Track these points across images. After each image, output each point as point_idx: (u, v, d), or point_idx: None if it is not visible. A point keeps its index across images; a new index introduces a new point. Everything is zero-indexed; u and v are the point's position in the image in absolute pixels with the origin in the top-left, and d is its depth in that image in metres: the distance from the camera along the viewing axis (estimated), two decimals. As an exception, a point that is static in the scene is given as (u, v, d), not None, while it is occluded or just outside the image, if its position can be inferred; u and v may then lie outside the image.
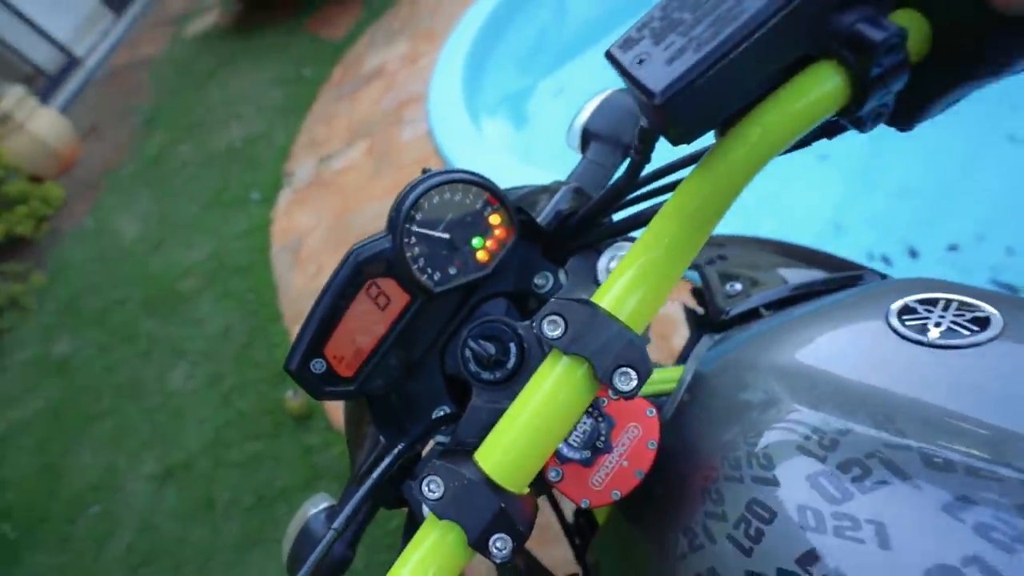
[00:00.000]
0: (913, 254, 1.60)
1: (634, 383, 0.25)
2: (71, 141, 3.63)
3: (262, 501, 1.54)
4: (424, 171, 0.35)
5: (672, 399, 0.37)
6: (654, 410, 0.30)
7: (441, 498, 0.26)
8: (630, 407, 0.30)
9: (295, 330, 1.96)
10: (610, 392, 0.28)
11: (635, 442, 0.30)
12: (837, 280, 0.42)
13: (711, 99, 0.21)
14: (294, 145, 2.77)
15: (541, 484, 0.50)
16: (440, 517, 0.25)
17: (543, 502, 0.51)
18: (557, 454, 0.30)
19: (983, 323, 0.27)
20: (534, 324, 0.26)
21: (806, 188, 1.83)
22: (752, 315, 0.43)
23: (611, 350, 0.25)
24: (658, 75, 0.20)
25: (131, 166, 3.33)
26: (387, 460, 0.33)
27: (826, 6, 0.20)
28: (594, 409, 0.30)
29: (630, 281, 0.26)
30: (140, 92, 4.14)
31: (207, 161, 3.00)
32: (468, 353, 0.35)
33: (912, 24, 0.21)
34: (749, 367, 0.33)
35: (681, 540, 0.29)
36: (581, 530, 0.50)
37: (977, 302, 0.28)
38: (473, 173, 0.34)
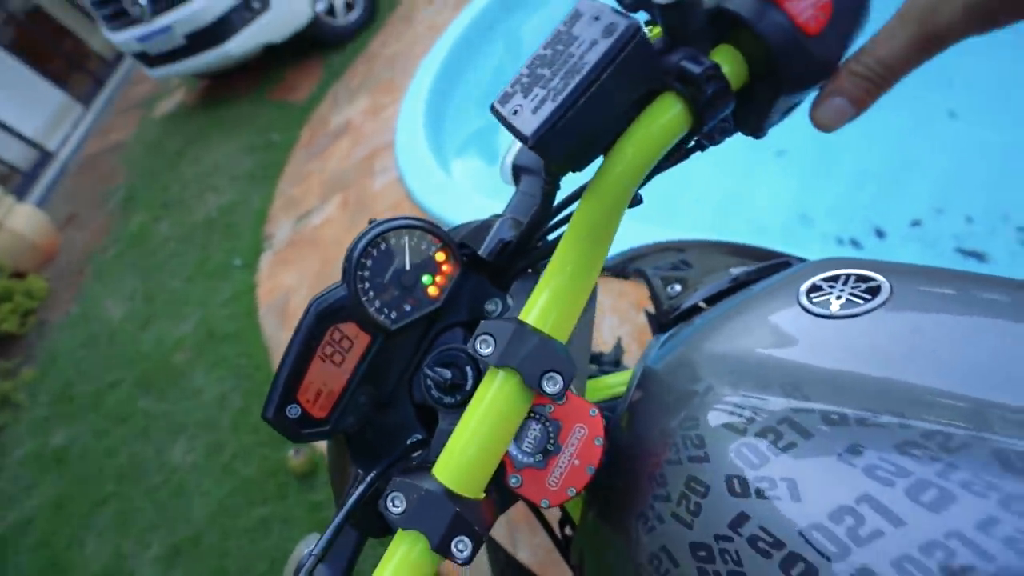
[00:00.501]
0: (880, 234, 1.66)
1: (559, 385, 0.29)
2: (50, 232, 3.67)
3: (275, 564, 1.52)
4: (370, 221, 0.38)
5: (625, 398, 0.40)
6: (596, 410, 0.34)
7: (404, 511, 0.29)
8: (574, 409, 0.33)
9: (290, 388, 1.97)
10: (554, 397, 0.32)
11: (583, 441, 0.33)
12: (764, 269, 0.46)
13: (578, 135, 0.25)
14: (271, 208, 2.83)
15: (513, 496, 0.53)
16: (404, 528, 0.28)
17: (528, 515, 0.54)
18: (513, 461, 0.33)
19: (875, 291, 0.31)
20: (469, 346, 0.30)
21: (769, 184, 1.91)
22: (695, 311, 0.47)
23: (536, 359, 0.29)
24: (527, 122, 0.25)
25: (113, 248, 3.36)
26: (362, 486, 0.36)
27: (652, 54, 0.24)
28: (540, 415, 0.33)
29: (549, 296, 0.30)
30: (115, 176, 4.21)
31: (187, 235, 3.04)
32: (428, 381, 0.38)
33: (727, 58, 0.26)
34: (688, 360, 0.37)
35: (637, 525, 0.32)
36: (567, 537, 0.52)
37: (870, 273, 0.32)
38: (415, 218, 0.38)
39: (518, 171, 0.44)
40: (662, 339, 0.45)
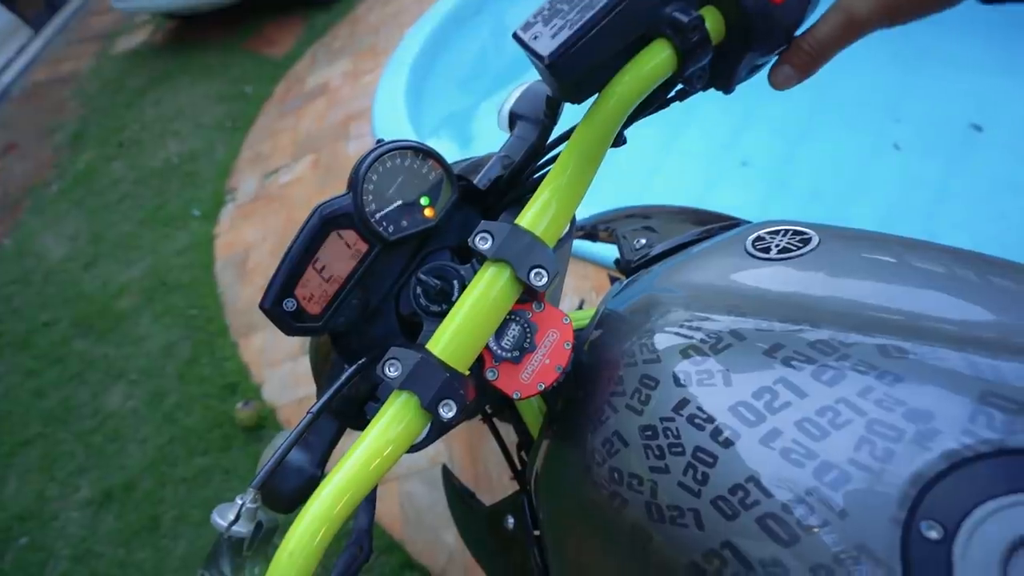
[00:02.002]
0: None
1: (544, 279, 0.33)
2: (-15, 160, 3.40)
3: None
4: (378, 141, 0.41)
5: (588, 328, 0.45)
6: (568, 318, 0.38)
7: (400, 374, 0.33)
8: (549, 316, 0.38)
9: (244, 343, 1.93)
10: (534, 304, 0.36)
11: (555, 343, 0.38)
12: (718, 228, 0.53)
13: (585, 64, 0.30)
14: (237, 161, 2.74)
15: (485, 413, 0.57)
16: (400, 388, 0.32)
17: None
18: (493, 355, 0.37)
19: (807, 242, 0.38)
20: (469, 240, 0.34)
21: (731, 190, 2.02)
22: (654, 263, 0.52)
23: (527, 255, 0.33)
24: (546, 45, 0.30)
25: (56, 184, 3.16)
26: (346, 374, 0.39)
27: (652, 2, 0.29)
28: (520, 318, 0.37)
29: (542, 205, 0.34)
30: (64, 109, 3.94)
31: (142, 179, 2.90)
32: (419, 289, 0.42)
33: (710, 15, 0.31)
34: (646, 294, 0.42)
35: (593, 419, 0.37)
36: (523, 461, 0.57)
37: (804, 229, 0.39)
38: (420, 143, 0.42)
39: (514, 117, 0.48)
40: (623, 283, 0.50)
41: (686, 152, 2.10)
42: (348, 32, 3.18)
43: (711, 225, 0.53)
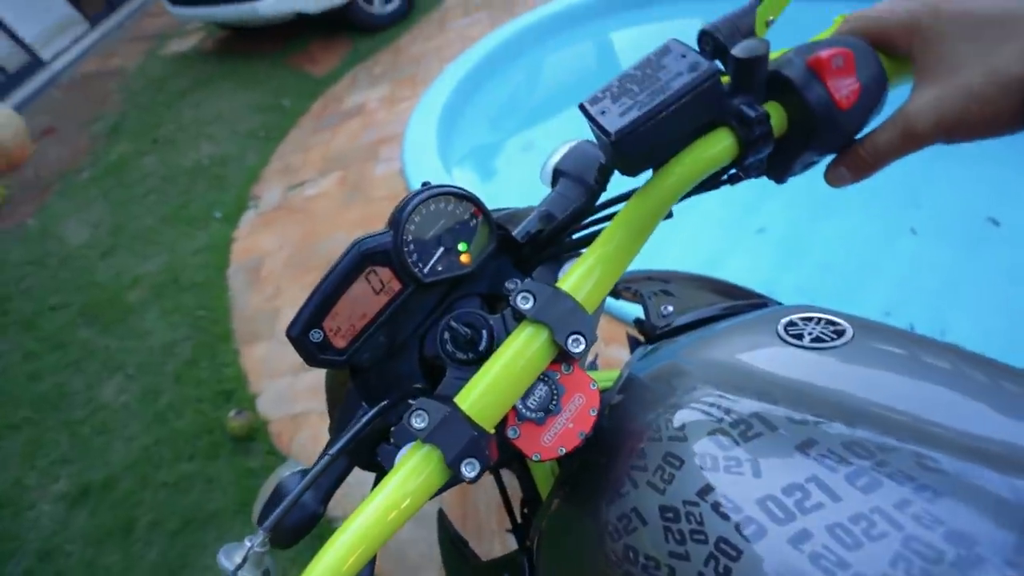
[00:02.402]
0: (833, 323, 1.79)
1: (583, 346, 0.33)
2: (22, 139, 3.51)
3: (189, 525, 1.46)
4: (424, 184, 0.42)
5: (610, 392, 0.45)
6: (596, 384, 0.38)
7: (427, 426, 0.32)
8: (577, 380, 0.37)
9: (246, 351, 1.92)
10: (563, 366, 0.36)
11: (580, 408, 0.37)
12: (746, 305, 0.52)
13: (648, 144, 0.31)
14: (265, 169, 2.80)
15: (495, 468, 0.56)
16: (424, 441, 0.32)
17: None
18: (517, 414, 0.37)
19: (840, 333, 0.37)
20: (509, 298, 0.34)
21: (746, 256, 2.03)
22: (679, 332, 0.52)
23: (567, 320, 0.33)
24: (614, 122, 0.30)
25: (88, 172, 3.23)
26: (366, 417, 0.39)
27: (721, 93, 0.30)
28: (549, 379, 0.37)
29: (586, 271, 0.34)
30: (107, 101, 4.08)
31: (171, 176, 2.96)
32: (447, 335, 0.42)
33: (775, 111, 0.32)
34: (673, 365, 0.42)
35: (610, 490, 0.36)
36: (526, 519, 0.55)
37: (838, 319, 0.39)
38: (465, 190, 0.42)
39: (558, 174, 0.48)
40: (648, 348, 0.49)
41: (707, 213, 2.12)
42: (390, 60, 3.30)
43: (738, 301, 0.53)
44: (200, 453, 1.61)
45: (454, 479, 0.33)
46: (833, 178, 0.34)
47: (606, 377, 0.47)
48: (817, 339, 0.38)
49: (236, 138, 3.12)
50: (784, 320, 0.40)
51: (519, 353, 0.34)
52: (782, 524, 0.27)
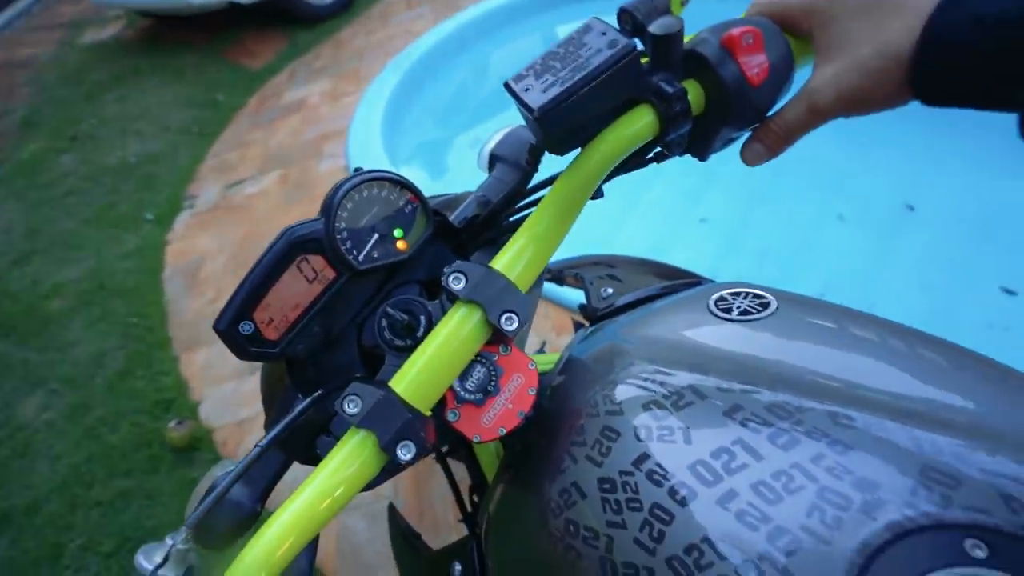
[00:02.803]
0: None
1: (516, 324, 0.34)
2: (-84, 139, 3.16)
3: (126, 544, 1.37)
4: (356, 169, 0.41)
5: (551, 374, 0.46)
6: (534, 364, 0.38)
7: (360, 411, 0.32)
8: (515, 360, 0.38)
9: (186, 357, 1.82)
10: (501, 347, 0.36)
11: (519, 389, 0.37)
12: (683, 284, 0.55)
13: (572, 120, 0.32)
14: (200, 167, 2.65)
15: (438, 451, 0.56)
16: (358, 426, 0.31)
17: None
18: (456, 396, 0.37)
19: (766, 306, 0.40)
20: (442, 279, 0.34)
21: (690, 245, 2.12)
22: (619, 313, 0.54)
23: (500, 299, 0.34)
24: (536, 98, 0.31)
25: (-5, 172, 2.96)
26: (300, 407, 0.37)
27: (640, 70, 0.31)
28: (487, 360, 0.37)
29: (518, 250, 0.35)
30: (14, 95, 3.74)
31: (94, 175, 2.76)
32: (384, 322, 0.41)
33: (693, 88, 0.34)
34: (610, 346, 0.43)
35: (551, 467, 0.37)
36: (476, 506, 0.55)
37: (764, 293, 0.42)
38: (399, 175, 0.42)
39: (494, 159, 0.49)
40: (589, 331, 0.51)
41: (652, 205, 2.19)
42: (331, 53, 3.20)
43: (675, 281, 0.55)
44: (137, 468, 1.52)
45: (393, 465, 0.33)
46: (749, 155, 0.36)
47: (548, 360, 0.48)
48: (744, 312, 0.40)
49: (166, 135, 2.93)
50: (715, 296, 0.43)
51: (453, 334, 0.34)
52: (710, 486, 0.29)
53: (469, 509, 0.56)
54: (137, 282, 2.10)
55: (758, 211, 2.15)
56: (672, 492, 0.30)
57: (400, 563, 0.55)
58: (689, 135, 0.35)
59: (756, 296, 0.41)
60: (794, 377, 0.33)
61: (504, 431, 0.37)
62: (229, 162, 2.62)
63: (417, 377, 0.33)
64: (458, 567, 0.45)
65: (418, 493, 1.25)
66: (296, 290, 0.38)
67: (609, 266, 0.65)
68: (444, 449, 0.60)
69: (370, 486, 0.39)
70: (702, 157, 0.37)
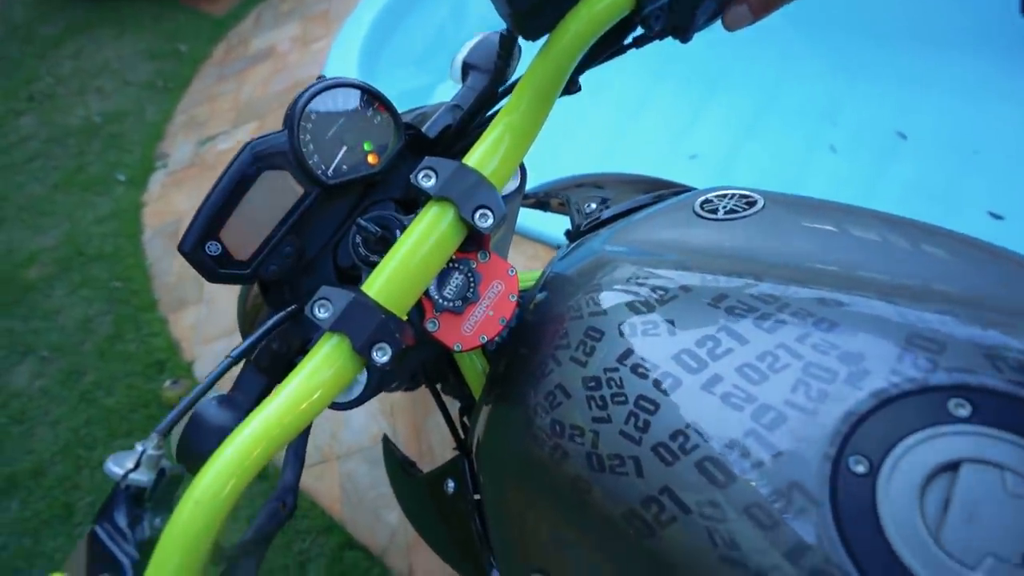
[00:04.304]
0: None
1: (491, 221, 0.32)
2: None
3: (135, 501, 1.40)
4: (320, 77, 0.38)
5: (532, 291, 0.45)
6: (514, 270, 0.37)
7: (331, 315, 0.30)
8: (494, 266, 0.37)
9: (174, 318, 1.81)
10: (479, 254, 0.35)
11: (499, 295, 0.37)
12: (670, 194, 0.53)
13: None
14: (169, 124, 2.53)
15: (429, 380, 0.55)
16: (331, 330, 0.30)
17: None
18: (434, 304, 0.36)
19: (752, 204, 0.39)
20: (411, 176, 0.32)
21: (679, 180, 2.09)
22: (603, 227, 0.52)
23: (472, 195, 0.32)
24: None
25: (-49, 139, 2.80)
26: (272, 320, 0.36)
27: None
28: (464, 267, 0.36)
29: (493, 142, 0.33)
30: (-38, 55, 3.49)
31: (57, 138, 2.62)
32: (358, 238, 0.39)
33: None
34: (592, 255, 0.42)
35: (536, 373, 0.37)
36: (464, 427, 0.56)
37: (750, 193, 0.41)
38: (366, 83, 0.39)
39: (467, 68, 0.46)
40: (571, 246, 0.50)
41: (640, 141, 2.14)
42: (298, -5, 3.00)
43: (660, 191, 0.54)
44: (137, 428, 1.53)
45: (375, 377, 0.32)
46: (732, 19, 0.34)
47: (529, 277, 0.47)
48: (731, 211, 0.39)
49: (129, 90, 2.78)
50: (700, 199, 0.42)
51: (425, 233, 0.32)
52: (696, 373, 0.29)
53: (463, 436, 0.56)
54: (116, 246, 2.04)
55: (748, 146, 2.11)
56: (657, 382, 0.30)
57: (397, 491, 0.56)
58: (669, 9, 0.32)
59: (743, 196, 0.41)
60: (780, 265, 0.33)
61: (486, 338, 0.36)
62: (199, 117, 2.50)
63: (390, 280, 0.32)
64: (451, 484, 0.46)
65: (416, 434, 1.27)
66: (263, 208, 0.36)
67: (596, 186, 0.63)
68: (436, 382, 0.59)
69: (357, 401, 0.39)
70: (685, 36, 0.34)
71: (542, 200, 0.67)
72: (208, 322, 1.70)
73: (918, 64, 2.10)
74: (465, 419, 0.55)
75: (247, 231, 0.36)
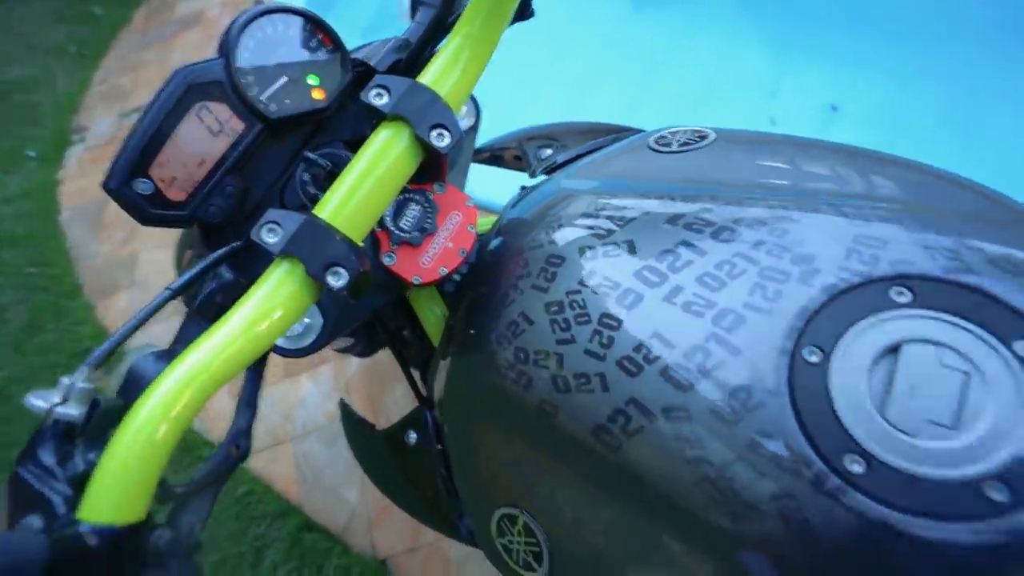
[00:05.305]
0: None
1: (447, 140, 0.31)
2: None
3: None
4: (257, 2, 0.35)
5: (488, 235, 0.44)
6: (472, 201, 0.36)
7: (280, 238, 0.28)
8: (452, 198, 0.36)
9: (104, 304, 1.68)
10: (436, 185, 0.33)
11: (458, 227, 0.36)
12: (622, 136, 0.53)
13: None
14: (86, 95, 2.32)
15: (385, 334, 0.54)
16: (281, 254, 0.28)
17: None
18: (391, 237, 0.34)
19: (704, 137, 0.39)
20: (361, 95, 0.30)
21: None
22: (559, 170, 0.52)
23: (428, 113, 0.30)
24: None
25: None
26: (213, 256, 0.34)
27: None
28: (422, 197, 0.35)
29: (450, 57, 0.32)
30: None
31: (-48, 109, 2.35)
32: (307, 175, 0.37)
33: None
34: (548, 194, 0.42)
35: (497, 306, 0.36)
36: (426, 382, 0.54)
37: (702, 128, 0.41)
38: (311, 11, 0.36)
39: (416, 5, 0.44)
40: (526, 191, 0.49)
41: (589, 117, 2.16)
42: (227, -43, 2.79)
43: (614, 135, 0.54)
44: (65, 422, 1.41)
45: (332, 320, 0.30)
46: None
47: (486, 222, 0.46)
48: (684, 144, 0.40)
49: (38, 56, 2.52)
50: (655, 136, 0.43)
51: (379, 153, 0.31)
52: (656, 286, 0.29)
53: (424, 392, 0.55)
54: (29, 229, 1.86)
55: (694, 118, 2.17)
56: (619, 299, 0.30)
57: (358, 453, 0.54)
58: None
59: (695, 132, 0.42)
60: (734, 186, 0.34)
61: (446, 271, 0.36)
62: (121, 87, 2.30)
63: (343, 202, 0.30)
64: (413, 435, 0.45)
65: (373, 410, 1.24)
66: (199, 143, 0.34)
67: (550, 137, 0.63)
68: (393, 333, 0.57)
69: (314, 346, 0.37)
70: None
71: (496, 153, 0.66)
72: (142, 306, 1.58)
73: (850, 44, 2.22)
74: (426, 377, 0.54)
75: (182, 169, 0.33)
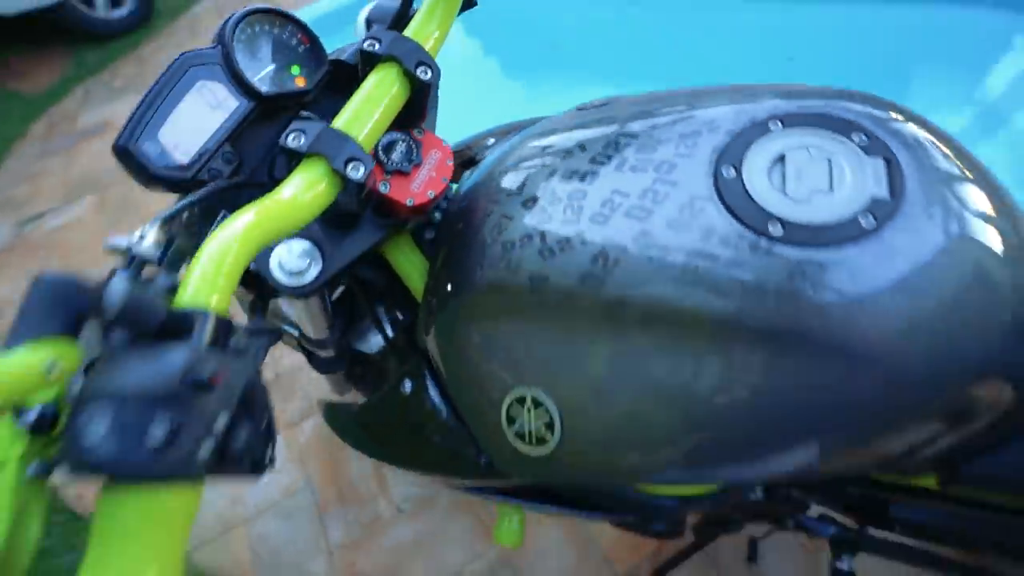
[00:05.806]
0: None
1: (430, 74, 0.39)
2: None
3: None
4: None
5: (453, 198, 0.51)
6: (447, 142, 0.45)
7: (306, 140, 0.34)
8: (431, 139, 0.44)
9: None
10: (415, 130, 0.42)
11: (439, 160, 0.44)
12: None
13: None
14: (-26, 208, 2.17)
15: (362, 286, 0.57)
16: (308, 152, 0.34)
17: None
18: (383, 167, 0.42)
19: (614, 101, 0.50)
20: (355, 31, 0.38)
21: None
22: None
23: (412, 52, 0.39)
24: None
25: None
26: (212, 185, 0.38)
27: None
28: (406, 137, 0.43)
29: (426, 12, 0.41)
30: None
31: None
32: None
33: None
34: (496, 155, 0.50)
35: (479, 224, 0.42)
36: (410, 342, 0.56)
37: (608, 98, 0.51)
38: (292, 14, 0.44)
39: (369, 23, 0.52)
40: (471, 169, 0.56)
41: (544, 108, 2.21)
42: (135, 71, 2.85)
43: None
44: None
45: (332, 257, 0.36)
46: None
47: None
48: (598, 107, 0.50)
49: (-86, 176, 2.34)
50: (576, 107, 0.53)
51: (379, 83, 0.39)
52: (608, 163, 0.40)
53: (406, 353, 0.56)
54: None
55: (704, 52, 2.08)
56: (582, 177, 0.40)
57: (354, 440, 0.54)
58: None
59: (603, 101, 0.51)
60: (646, 108, 0.43)
61: (433, 194, 0.43)
62: (17, 197, 2.19)
63: (352, 117, 0.37)
64: (408, 384, 0.48)
65: (333, 475, 1.20)
66: (200, 115, 0.39)
67: (506, 133, 0.71)
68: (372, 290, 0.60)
69: (315, 284, 0.41)
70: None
71: (469, 156, 0.74)
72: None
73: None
74: (409, 331, 0.56)
75: (185, 135, 0.39)
